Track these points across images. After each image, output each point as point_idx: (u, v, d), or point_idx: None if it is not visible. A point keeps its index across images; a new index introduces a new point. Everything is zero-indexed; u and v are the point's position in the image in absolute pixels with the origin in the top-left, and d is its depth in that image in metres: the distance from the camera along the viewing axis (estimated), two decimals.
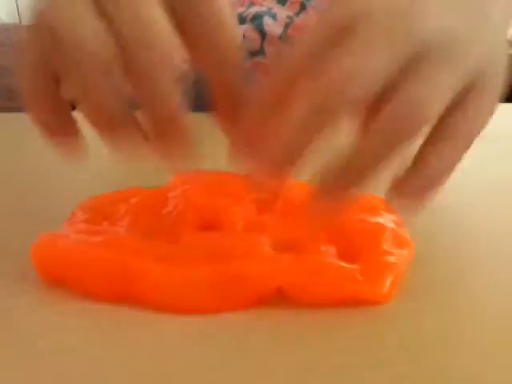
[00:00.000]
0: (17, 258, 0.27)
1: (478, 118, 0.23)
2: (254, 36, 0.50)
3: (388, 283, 0.24)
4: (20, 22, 2.25)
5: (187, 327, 0.23)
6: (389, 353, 0.22)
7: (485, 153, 0.41)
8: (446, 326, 0.23)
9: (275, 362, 0.21)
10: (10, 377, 0.21)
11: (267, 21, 0.50)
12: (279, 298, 0.24)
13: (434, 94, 0.21)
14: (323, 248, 0.26)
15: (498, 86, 0.24)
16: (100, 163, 0.39)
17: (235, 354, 0.22)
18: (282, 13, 0.51)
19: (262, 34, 0.50)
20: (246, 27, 0.50)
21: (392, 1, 0.22)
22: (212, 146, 0.40)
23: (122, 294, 0.24)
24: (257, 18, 0.50)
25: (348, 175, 0.22)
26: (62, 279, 0.25)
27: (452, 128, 0.23)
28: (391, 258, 0.26)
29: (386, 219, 0.28)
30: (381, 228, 0.27)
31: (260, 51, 0.51)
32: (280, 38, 0.50)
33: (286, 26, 0.50)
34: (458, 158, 0.23)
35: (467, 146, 0.23)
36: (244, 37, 0.50)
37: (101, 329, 0.23)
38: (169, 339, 0.22)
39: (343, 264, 0.25)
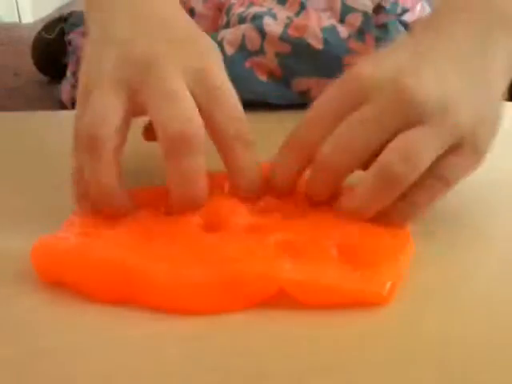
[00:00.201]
0: (17, 259, 0.27)
1: (460, 171, 0.27)
2: (254, 36, 0.50)
3: (389, 285, 0.24)
4: (20, 21, 2.25)
5: (187, 327, 0.23)
6: (389, 353, 0.22)
7: (498, 153, 0.41)
8: (447, 327, 0.23)
9: (275, 363, 0.21)
10: (10, 377, 0.21)
11: (267, 21, 0.50)
12: (280, 299, 0.24)
13: (423, 149, 0.25)
14: (324, 249, 0.26)
15: (484, 144, 0.28)
16: None
17: (235, 354, 0.22)
18: (282, 13, 0.51)
19: (262, 33, 0.50)
20: (246, 27, 0.50)
21: (390, 79, 0.26)
22: (211, 146, 0.40)
23: (123, 295, 0.24)
24: (257, 18, 0.50)
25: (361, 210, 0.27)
26: (62, 281, 0.25)
27: (437, 171, 0.27)
28: (392, 260, 0.26)
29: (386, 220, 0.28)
30: (381, 229, 0.27)
31: (260, 51, 0.50)
32: (280, 38, 0.50)
33: (286, 26, 0.50)
34: (437, 197, 0.28)
35: (445, 191, 0.27)
36: (244, 36, 0.50)
37: (101, 329, 0.23)
38: (169, 339, 0.22)
39: (344, 265, 0.25)
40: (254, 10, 0.52)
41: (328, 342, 0.22)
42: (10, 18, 2.22)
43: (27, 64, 1.41)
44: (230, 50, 0.50)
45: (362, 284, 0.24)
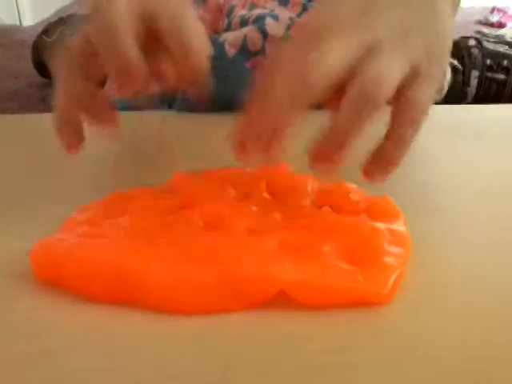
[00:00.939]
0: (17, 259, 0.27)
1: (422, 93, 0.29)
2: (256, 36, 0.50)
3: (390, 284, 0.24)
4: (20, 23, 2.25)
5: (188, 328, 0.23)
6: (390, 353, 0.22)
7: (485, 153, 0.41)
8: (447, 326, 0.23)
9: (276, 363, 0.21)
10: (10, 377, 0.21)
11: (269, 21, 0.50)
12: (281, 300, 0.24)
13: (388, 73, 0.28)
14: (325, 249, 0.26)
15: (438, 70, 0.31)
16: (101, 163, 0.39)
17: (236, 354, 0.22)
18: (284, 14, 0.51)
19: (264, 34, 0.50)
20: (249, 29, 0.51)
21: (350, 8, 0.30)
22: (211, 146, 0.40)
23: (122, 296, 0.24)
24: (259, 20, 0.51)
25: (331, 142, 0.28)
26: (61, 282, 0.25)
27: (403, 102, 0.29)
28: (392, 259, 0.26)
29: (386, 220, 0.28)
30: (381, 229, 0.27)
31: (261, 50, 0.51)
32: (282, 39, 0.50)
33: (288, 27, 0.51)
34: (418, 122, 0.29)
35: (418, 119, 0.29)
36: (246, 37, 0.50)
37: (100, 329, 0.23)
38: (169, 339, 0.22)
39: (345, 265, 0.25)
40: (256, 12, 0.52)
41: (328, 342, 0.22)
42: (10, 20, 2.23)
43: (27, 66, 1.41)
44: (231, 51, 0.50)
45: (363, 284, 0.24)
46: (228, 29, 0.53)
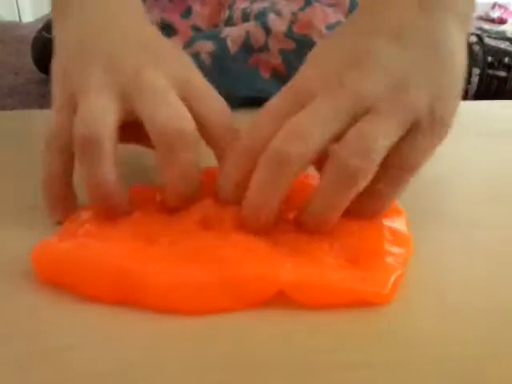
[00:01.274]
0: (17, 259, 0.27)
1: (420, 153, 0.26)
2: (259, 32, 0.50)
3: (390, 284, 0.24)
4: (20, 19, 2.25)
5: (187, 328, 0.23)
6: (390, 352, 0.22)
7: (487, 150, 0.41)
8: (447, 326, 0.23)
9: (276, 362, 0.21)
10: (10, 376, 0.20)
11: (272, 17, 0.50)
12: (280, 299, 0.24)
13: (377, 140, 0.25)
14: (324, 249, 0.26)
15: (445, 119, 0.27)
16: None
17: (236, 354, 0.22)
18: (287, 8, 0.51)
19: (267, 30, 0.50)
20: (252, 25, 0.50)
21: (337, 64, 0.27)
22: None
23: (122, 295, 0.24)
24: (261, 16, 0.50)
25: (314, 220, 0.27)
26: (62, 281, 0.25)
27: (397, 158, 0.26)
28: (393, 259, 0.26)
29: (387, 220, 0.28)
30: (381, 229, 0.27)
31: (264, 47, 0.50)
32: (285, 34, 0.50)
33: (291, 22, 0.50)
34: (404, 182, 0.27)
35: (413, 172, 0.27)
36: (249, 34, 0.50)
37: (101, 329, 0.23)
38: (169, 339, 0.22)
39: (344, 265, 0.25)
40: (258, 5, 0.52)
41: (328, 341, 0.22)
42: (10, 17, 2.22)
43: (27, 63, 1.41)
44: (233, 48, 0.50)
45: (363, 284, 0.24)
46: (229, 21, 0.52)
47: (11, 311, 0.24)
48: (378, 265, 0.25)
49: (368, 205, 0.27)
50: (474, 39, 1.05)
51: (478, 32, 1.20)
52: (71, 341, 0.22)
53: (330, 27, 0.50)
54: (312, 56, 0.29)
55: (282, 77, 0.50)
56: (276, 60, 0.50)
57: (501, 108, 0.53)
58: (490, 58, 1.29)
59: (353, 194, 0.25)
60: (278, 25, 0.50)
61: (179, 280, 0.24)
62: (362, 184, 0.25)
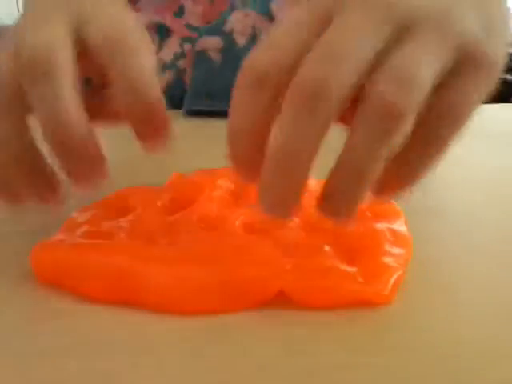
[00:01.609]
0: (16, 260, 0.27)
1: (473, 92, 0.21)
2: (265, 25, 0.48)
3: (390, 285, 0.24)
4: None
5: (187, 328, 0.23)
6: (390, 353, 0.22)
7: (487, 152, 0.41)
8: (448, 327, 0.23)
9: (276, 363, 0.21)
10: (10, 377, 0.20)
11: (274, 4, 0.49)
12: (281, 300, 0.24)
13: (421, 69, 0.19)
14: (325, 250, 0.26)
15: (495, 55, 0.22)
16: None
17: (235, 354, 0.22)
18: None
19: (271, 18, 0.49)
20: (254, 17, 0.49)
21: None
22: (211, 145, 0.40)
23: (122, 296, 0.24)
24: (263, 3, 0.49)
25: (347, 187, 0.20)
26: (61, 282, 0.25)
27: (446, 102, 0.21)
28: (393, 260, 0.26)
29: (387, 221, 0.28)
30: (381, 229, 0.27)
31: None
32: None
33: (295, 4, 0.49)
34: (451, 138, 0.21)
35: (462, 124, 0.21)
36: (255, 27, 0.49)
37: (101, 329, 0.23)
38: (169, 339, 0.22)
39: (345, 266, 0.25)
40: None
41: (329, 342, 0.22)
42: (10, 19, 2.23)
43: None
44: (241, 41, 0.49)
45: (363, 284, 0.24)
46: (232, 9, 0.50)
47: (11, 311, 0.24)
48: (379, 266, 0.25)
49: (399, 174, 0.22)
50: None
51: None
52: (71, 341, 0.22)
53: None
54: None
55: None
56: None
57: (501, 110, 0.53)
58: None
59: (394, 142, 0.20)
60: (283, 11, 0.48)
61: (179, 281, 0.24)
62: (405, 126, 0.20)
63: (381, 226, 0.28)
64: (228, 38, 0.49)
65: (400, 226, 0.28)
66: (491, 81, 0.22)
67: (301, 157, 0.20)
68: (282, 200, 0.21)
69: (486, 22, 0.22)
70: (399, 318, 0.24)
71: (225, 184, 0.31)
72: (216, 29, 0.50)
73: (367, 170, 0.20)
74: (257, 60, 0.21)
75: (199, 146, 0.39)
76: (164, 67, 0.53)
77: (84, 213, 0.30)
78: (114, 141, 0.41)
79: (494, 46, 0.22)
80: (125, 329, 0.23)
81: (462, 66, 0.21)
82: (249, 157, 0.21)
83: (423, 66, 0.20)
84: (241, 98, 0.20)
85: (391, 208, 0.29)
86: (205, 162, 0.36)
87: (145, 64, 0.23)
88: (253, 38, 0.49)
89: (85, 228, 0.28)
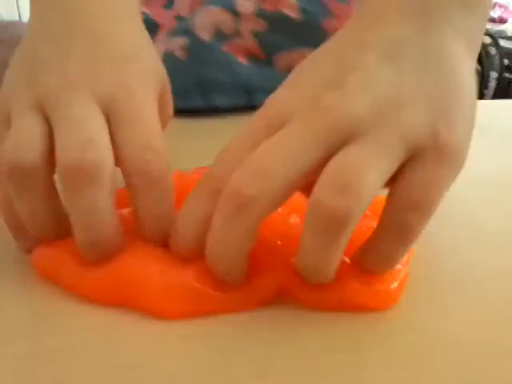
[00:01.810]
0: (17, 259, 0.27)
1: (428, 184, 0.21)
2: (228, 18, 0.48)
3: (392, 289, 0.24)
4: (20, 19, 2.25)
5: (188, 327, 0.23)
6: (391, 353, 0.22)
7: (487, 151, 0.41)
8: (450, 327, 0.23)
9: (275, 363, 0.21)
10: (10, 376, 0.20)
11: (241, 1, 0.48)
12: (281, 299, 0.24)
13: (363, 171, 0.20)
14: None
15: (456, 144, 0.22)
16: None
17: (235, 354, 0.22)
18: None
19: (236, 13, 0.48)
20: (216, 10, 0.48)
21: (311, 97, 0.22)
22: (211, 145, 0.40)
23: (122, 297, 0.24)
24: None
25: (307, 273, 0.23)
26: (62, 282, 0.25)
27: (401, 196, 0.21)
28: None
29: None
30: None
31: (236, 33, 0.48)
32: (255, 14, 0.48)
33: (260, 0, 0.48)
34: (419, 227, 0.22)
35: (424, 220, 0.22)
36: (218, 22, 0.48)
37: (101, 329, 0.23)
38: (169, 339, 0.22)
39: (348, 266, 0.25)
40: None
41: (329, 342, 0.22)
42: (10, 16, 2.22)
43: None
44: (204, 36, 0.48)
45: (367, 285, 0.24)
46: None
47: (11, 311, 0.24)
48: None
49: (374, 264, 0.23)
50: (488, 40, 1.00)
51: (491, 32, 1.16)
52: (71, 341, 0.22)
53: None
54: (291, 74, 0.25)
55: (259, 61, 0.48)
56: (250, 44, 0.48)
57: (501, 107, 0.53)
58: (506, 61, 1.24)
59: (342, 244, 0.21)
60: (246, 6, 0.48)
61: (178, 281, 0.24)
62: (351, 230, 0.20)
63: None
64: (192, 35, 0.48)
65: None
66: (453, 169, 0.22)
67: (229, 253, 0.22)
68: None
69: (437, 111, 0.22)
70: (401, 317, 0.24)
71: None
72: (185, 29, 0.49)
73: (324, 267, 0.22)
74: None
75: (199, 145, 0.39)
76: None
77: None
78: None
79: (450, 134, 0.22)
80: (125, 329, 0.23)
81: (417, 159, 0.21)
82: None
83: (365, 169, 0.20)
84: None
85: None
86: (205, 162, 0.36)
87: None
88: (216, 34, 0.48)
89: None
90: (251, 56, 0.49)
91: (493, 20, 2.51)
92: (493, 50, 1.11)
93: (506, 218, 0.32)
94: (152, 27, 0.53)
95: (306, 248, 0.21)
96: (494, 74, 1.08)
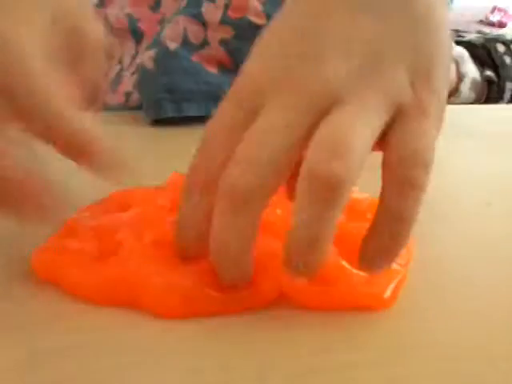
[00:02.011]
0: (17, 260, 0.27)
1: (418, 135, 0.21)
2: (195, 28, 0.48)
3: (390, 289, 0.24)
4: None
5: (188, 328, 0.23)
6: (390, 354, 0.22)
7: (487, 154, 0.41)
8: (448, 328, 0.23)
9: (275, 363, 0.21)
10: (10, 377, 0.20)
11: (206, 8, 0.47)
12: (280, 300, 0.24)
13: (353, 132, 0.19)
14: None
15: (437, 97, 0.22)
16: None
17: (236, 354, 0.22)
18: None
19: (203, 22, 0.48)
20: (185, 20, 0.48)
21: (282, 71, 0.21)
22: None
23: (122, 299, 0.24)
24: (194, 6, 0.48)
25: (299, 248, 0.21)
26: (61, 283, 0.25)
27: (395, 149, 0.21)
28: (394, 263, 0.26)
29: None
30: None
31: (204, 42, 0.48)
32: (221, 22, 0.47)
33: (226, 7, 0.47)
34: (421, 179, 0.21)
35: (422, 168, 0.21)
36: (186, 31, 0.48)
37: (101, 329, 0.23)
38: (169, 340, 0.22)
39: (345, 266, 0.25)
40: None
41: (329, 342, 0.22)
42: None
43: None
44: (172, 45, 0.48)
45: (364, 288, 0.24)
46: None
47: (11, 311, 0.24)
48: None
49: (385, 226, 0.22)
50: (501, 48, 0.97)
51: (503, 38, 1.14)
52: (71, 341, 0.22)
53: (265, 2, 0.48)
54: (256, 47, 0.23)
55: (228, 70, 0.48)
56: (219, 53, 0.48)
57: (494, 111, 0.53)
58: None
59: (338, 213, 0.20)
60: (213, 14, 0.47)
61: (178, 282, 0.24)
62: (346, 198, 0.20)
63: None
64: (160, 45, 0.48)
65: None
66: (432, 126, 0.22)
67: (233, 247, 0.21)
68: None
69: (416, 66, 0.21)
70: (400, 318, 0.24)
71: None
72: (156, 42, 0.49)
73: (319, 238, 0.20)
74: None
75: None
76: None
77: (84, 213, 0.30)
78: (113, 140, 0.41)
79: (429, 96, 0.21)
80: (125, 329, 0.23)
81: (401, 114, 0.21)
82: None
83: (357, 128, 0.20)
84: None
85: None
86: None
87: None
88: (184, 43, 0.48)
89: (85, 228, 0.28)
90: (220, 65, 0.49)
91: (492, 24, 2.51)
92: (508, 60, 1.08)
93: (505, 221, 0.32)
94: (137, 36, 0.53)
95: (300, 222, 0.20)
96: (509, 85, 1.06)
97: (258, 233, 0.22)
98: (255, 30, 0.47)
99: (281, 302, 0.24)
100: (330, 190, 0.19)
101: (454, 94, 0.70)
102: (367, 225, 0.28)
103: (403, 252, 0.26)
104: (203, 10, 0.48)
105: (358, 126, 0.20)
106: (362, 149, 0.20)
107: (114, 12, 0.54)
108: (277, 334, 0.23)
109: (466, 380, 0.20)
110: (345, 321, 0.23)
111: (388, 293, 0.24)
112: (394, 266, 0.25)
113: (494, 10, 2.61)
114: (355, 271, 0.25)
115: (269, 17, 0.48)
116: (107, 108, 0.45)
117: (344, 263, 0.25)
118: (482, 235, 0.30)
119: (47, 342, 0.22)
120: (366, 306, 0.24)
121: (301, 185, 0.20)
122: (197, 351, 0.22)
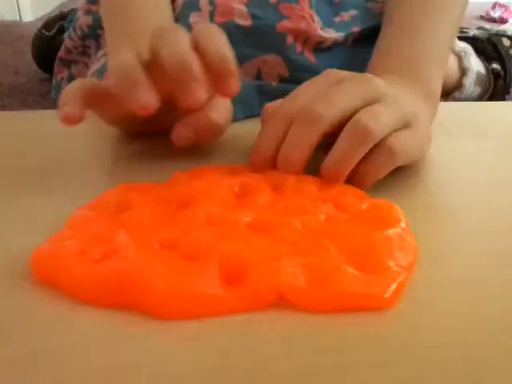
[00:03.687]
0: (16, 260, 0.27)
1: (406, 141, 0.33)
2: None
3: (392, 289, 0.24)
4: (20, 19, 2.25)
5: (188, 328, 0.23)
6: (390, 354, 0.22)
7: (488, 154, 0.41)
8: (448, 328, 0.23)
9: (275, 363, 0.21)
10: (10, 377, 0.20)
11: (194, 18, 0.48)
12: (281, 300, 0.24)
13: (384, 117, 0.32)
14: (327, 251, 0.26)
15: (421, 125, 0.35)
16: (102, 161, 0.39)
17: (235, 354, 0.22)
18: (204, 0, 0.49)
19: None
20: None
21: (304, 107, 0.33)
22: (211, 144, 0.40)
23: (122, 299, 0.24)
24: (184, 17, 0.49)
25: (331, 173, 0.32)
26: (61, 284, 0.25)
27: (388, 142, 0.33)
28: (396, 264, 0.25)
29: (392, 226, 0.28)
30: (386, 233, 0.27)
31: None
32: None
33: (211, 14, 0.48)
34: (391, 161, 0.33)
35: (394, 158, 0.33)
36: None
37: (101, 329, 0.23)
38: (169, 340, 0.22)
39: (348, 269, 0.25)
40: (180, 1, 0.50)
41: (329, 342, 0.22)
42: (10, 16, 2.22)
43: (27, 62, 1.40)
44: None
45: (366, 287, 0.24)
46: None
47: (11, 311, 0.24)
48: (382, 269, 0.25)
49: (366, 173, 0.33)
50: (507, 42, 0.96)
51: (508, 33, 1.12)
52: (71, 341, 0.22)
53: (250, 3, 0.48)
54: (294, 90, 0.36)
55: None
56: None
57: (499, 109, 0.53)
58: None
59: (364, 150, 0.32)
60: (200, 22, 0.48)
61: (178, 283, 0.24)
62: (370, 145, 0.32)
63: (385, 229, 0.27)
64: None
65: (404, 232, 0.28)
66: (417, 143, 0.35)
67: (300, 148, 0.33)
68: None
69: (415, 109, 0.36)
70: (400, 318, 0.24)
71: (226, 182, 0.31)
72: None
73: (345, 163, 0.32)
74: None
75: (194, 147, 0.39)
76: None
77: (85, 211, 0.30)
78: (113, 140, 0.41)
79: (420, 120, 0.36)
80: (125, 329, 0.23)
81: (402, 129, 0.34)
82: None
83: (383, 114, 0.33)
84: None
85: (394, 212, 0.29)
86: (205, 161, 0.36)
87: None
88: None
89: (85, 229, 0.28)
90: None
91: (493, 20, 2.51)
92: None
93: (508, 220, 0.32)
94: None
95: (340, 149, 0.32)
96: None
97: (313, 151, 0.33)
98: (242, 31, 0.48)
99: (280, 302, 0.24)
100: (364, 135, 0.31)
101: (457, 89, 0.69)
102: (367, 226, 0.28)
103: (406, 254, 0.26)
104: (191, 20, 0.49)
105: (383, 113, 0.33)
106: (384, 121, 0.32)
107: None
108: (277, 334, 0.23)
109: (467, 380, 0.20)
110: (345, 321, 0.23)
111: (389, 293, 0.24)
112: (396, 267, 0.25)
113: (494, 5, 2.60)
114: (356, 272, 0.25)
115: (254, 17, 0.48)
116: None
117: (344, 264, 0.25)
118: (488, 237, 0.30)
119: (47, 341, 0.22)
120: (366, 306, 0.24)
121: (346, 128, 0.32)
122: (197, 351, 0.22)
